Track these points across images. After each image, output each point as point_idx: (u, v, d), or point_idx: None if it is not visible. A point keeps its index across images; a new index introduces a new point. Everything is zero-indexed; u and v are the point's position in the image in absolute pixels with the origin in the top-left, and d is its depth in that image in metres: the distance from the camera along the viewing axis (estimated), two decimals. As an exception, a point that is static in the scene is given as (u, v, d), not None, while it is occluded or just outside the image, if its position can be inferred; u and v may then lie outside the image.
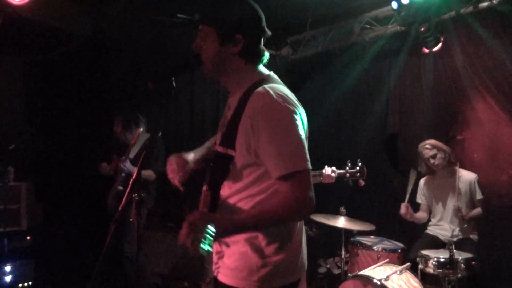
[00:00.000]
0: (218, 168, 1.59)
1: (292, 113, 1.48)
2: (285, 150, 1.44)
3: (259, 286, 1.51)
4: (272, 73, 1.65)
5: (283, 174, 1.44)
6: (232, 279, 1.55)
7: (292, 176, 1.44)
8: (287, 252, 1.55)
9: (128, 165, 3.87)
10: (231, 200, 1.57)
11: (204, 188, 1.65)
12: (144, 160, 1.66)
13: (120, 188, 3.89)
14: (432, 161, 3.99)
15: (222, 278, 1.60)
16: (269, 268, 1.52)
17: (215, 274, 1.66)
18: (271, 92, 1.48)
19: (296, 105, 1.53)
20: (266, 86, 1.51)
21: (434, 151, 3.98)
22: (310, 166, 1.48)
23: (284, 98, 1.49)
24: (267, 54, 1.64)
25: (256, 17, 1.60)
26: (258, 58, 1.63)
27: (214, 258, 1.67)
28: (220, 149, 1.58)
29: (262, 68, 1.65)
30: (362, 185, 2.90)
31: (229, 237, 1.56)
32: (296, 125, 1.48)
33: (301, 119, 1.54)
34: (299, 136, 1.47)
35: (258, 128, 1.45)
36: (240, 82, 1.60)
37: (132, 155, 3.92)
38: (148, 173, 3.97)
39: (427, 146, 4.01)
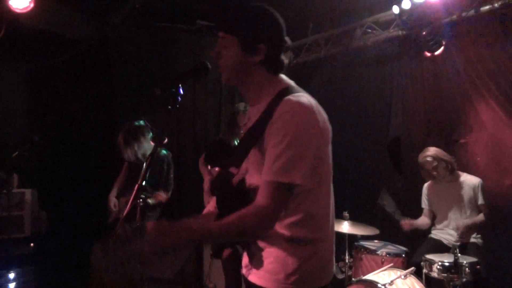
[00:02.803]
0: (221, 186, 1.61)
1: (312, 127, 1.47)
2: (283, 159, 1.42)
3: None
4: (293, 83, 1.63)
5: (267, 180, 1.44)
6: (266, 281, 1.55)
7: (274, 185, 1.43)
8: (321, 256, 1.56)
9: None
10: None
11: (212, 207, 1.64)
12: (149, 166, 1.66)
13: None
14: (434, 172, 3.99)
15: (256, 280, 1.59)
16: (304, 270, 1.52)
17: (246, 275, 1.66)
18: (300, 101, 1.46)
19: (322, 119, 1.51)
20: (295, 95, 1.49)
21: (435, 163, 3.96)
22: (299, 181, 1.44)
23: (311, 109, 1.47)
24: (286, 63, 1.62)
25: (279, 27, 1.59)
26: (280, 67, 1.61)
27: (246, 259, 1.66)
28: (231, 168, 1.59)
29: (283, 77, 1.63)
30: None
31: (263, 239, 1.56)
32: (310, 140, 1.45)
33: (322, 130, 1.51)
34: (306, 150, 1.44)
35: (271, 133, 1.45)
36: (262, 92, 1.59)
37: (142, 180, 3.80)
38: (161, 197, 3.82)
39: (428, 158, 3.98)
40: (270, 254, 1.55)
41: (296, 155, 1.42)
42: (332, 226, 1.64)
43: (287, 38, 1.62)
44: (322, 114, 1.53)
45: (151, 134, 3.98)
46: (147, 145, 3.90)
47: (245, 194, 1.56)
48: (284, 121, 1.43)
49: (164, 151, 3.95)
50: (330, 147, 1.57)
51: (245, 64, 1.56)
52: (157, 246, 1.39)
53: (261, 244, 1.57)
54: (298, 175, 1.43)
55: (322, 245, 1.57)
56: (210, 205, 1.69)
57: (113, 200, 4.00)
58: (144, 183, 3.79)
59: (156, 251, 1.39)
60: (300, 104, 1.45)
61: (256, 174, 1.54)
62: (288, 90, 1.53)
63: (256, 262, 1.59)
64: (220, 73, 1.63)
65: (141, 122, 4.04)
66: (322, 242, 1.58)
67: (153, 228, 1.42)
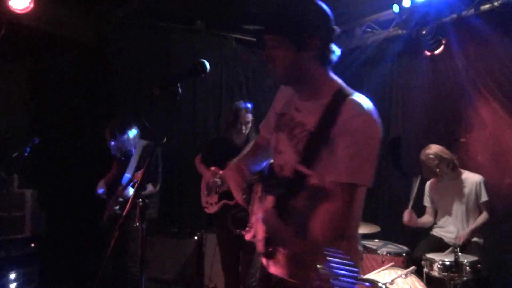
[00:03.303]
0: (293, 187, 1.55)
1: (379, 131, 1.50)
2: (356, 162, 1.44)
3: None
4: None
5: (344, 182, 1.45)
6: (305, 279, 1.54)
7: (348, 188, 1.45)
8: (353, 253, 1.58)
9: (127, 192, 3.72)
10: (298, 216, 1.54)
11: (269, 205, 1.58)
12: (148, 168, 1.66)
13: (117, 208, 3.78)
14: (437, 169, 3.99)
15: (286, 274, 1.60)
16: None
17: (275, 272, 1.65)
18: (367, 104, 1.50)
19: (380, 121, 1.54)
20: (357, 96, 1.52)
21: (437, 161, 3.95)
22: (368, 184, 1.49)
23: (374, 113, 1.50)
24: (338, 53, 1.59)
25: (327, 17, 1.56)
26: (332, 58, 1.58)
27: (279, 256, 1.65)
28: (300, 167, 1.53)
29: (331, 72, 1.63)
30: None
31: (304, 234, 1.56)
32: (376, 143, 1.49)
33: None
34: (373, 153, 1.49)
35: (345, 133, 1.45)
36: (317, 87, 1.58)
37: (131, 171, 3.79)
38: (148, 190, 3.85)
39: (430, 156, 3.97)
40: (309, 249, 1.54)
41: (367, 157, 1.46)
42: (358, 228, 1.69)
43: (336, 27, 1.57)
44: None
45: (136, 130, 3.97)
46: (133, 140, 3.92)
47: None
48: (356, 124, 1.44)
49: (150, 143, 3.96)
50: None
51: (300, 61, 1.52)
52: None
53: (300, 239, 1.55)
54: (368, 177, 1.47)
55: (355, 242, 1.61)
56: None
57: (101, 190, 4.03)
58: (130, 174, 3.77)
59: None
60: (368, 108, 1.48)
61: (318, 175, 1.52)
62: (345, 89, 1.56)
63: (291, 257, 1.59)
64: (273, 75, 1.59)
65: (128, 117, 4.05)
66: (355, 240, 1.60)
67: None
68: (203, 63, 1.62)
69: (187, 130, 5.30)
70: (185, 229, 4.87)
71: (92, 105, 5.31)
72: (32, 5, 4.15)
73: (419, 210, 4.21)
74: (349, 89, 1.57)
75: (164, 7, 4.96)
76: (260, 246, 1.59)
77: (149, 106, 4.69)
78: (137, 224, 1.60)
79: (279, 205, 1.53)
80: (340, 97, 1.51)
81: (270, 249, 1.56)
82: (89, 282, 3.73)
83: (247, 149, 1.93)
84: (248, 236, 1.77)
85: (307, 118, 1.57)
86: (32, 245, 4.84)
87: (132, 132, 3.94)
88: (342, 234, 1.51)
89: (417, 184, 3.98)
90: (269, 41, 1.54)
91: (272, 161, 1.76)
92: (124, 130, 3.89)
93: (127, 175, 3.79)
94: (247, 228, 1.78)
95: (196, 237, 4.59)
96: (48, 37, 4.95)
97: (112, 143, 3.90)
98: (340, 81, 1.62)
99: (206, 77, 5.29)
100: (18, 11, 4.14)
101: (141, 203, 1.57)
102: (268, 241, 1.55)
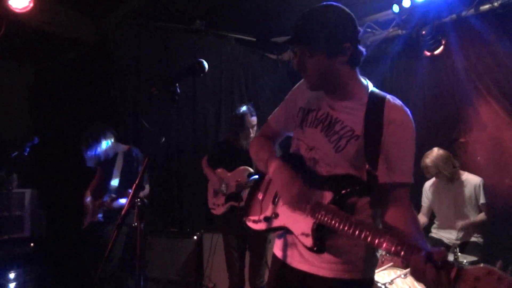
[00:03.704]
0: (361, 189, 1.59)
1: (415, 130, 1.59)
2: (411, 162, 1.57)
3: (363, 275, 1.61)
4: None
5: (407, 182, 1.55)
6: (335, 272, 1.59)
7: (407, 186, 1.56)
8: (372, 250, 1.65)
9: (115, 204, 3.69)
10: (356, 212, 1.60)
11: (323, 200, 1.58)
12: (146, 168, 1.65)
13: (100, 216, 3.75)
14: (437, 177, 4.00)
15: (322, 272, 1.61)
16: (370, 260, 1.64)
17: (289, 263, 1.68)
18: (406, 108, 1.60)
19: None
20: (394, 98, 1.63)
21: (436, 171, 3.94)
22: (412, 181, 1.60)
23: (410, 112, 1.60)
24: (364, 53, 1.66)
25: (354, 20, 1.61)
26: (360, 59, 1.65)
27: (289, 247, 1.69)
28: (370, 170, 1.57)
29: (359, 73, 1.69)
30: None
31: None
32: (415, 144, 1.59)
33: None
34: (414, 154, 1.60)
35: (394, 136, 1.54)
36: (348, 89, 1.64)
37: (116, 179, 3.78)
38: (147, 190, 3.86)
39: (429, 164, 3.95)
40: (337, 246, 1.58)
41: (413, 159, 1.58)
42: None
43: (359, 27, 1.65)
44: None
45: (112, 135, 3.92)
46: (112, 145, 3.89)
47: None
48: (406, 127, 1.56)
49: (135, 150, 3.95)
50: None
51: (333, 66, 1.58)
52: None
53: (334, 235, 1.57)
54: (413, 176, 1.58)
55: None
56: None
57: (87, 197, 3.98)
58: (117, 183, 3.74)
59: None
60: (408, 111, 1.59)
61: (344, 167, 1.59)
62: (376, 89, 1.67)
63: (321, 256, 1.60)
64: (305, 80, 1.66)
65: (101, 123, 4.00)
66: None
67: None
68: (202, 62, 1.62)
69: (187, 130, 5.29)
70: (185, 229, 4.87)
71: (91, 105, 5.31)
72: (31, 5, 4.15)
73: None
74: (378, 91, 1.67)
75: (164, 7, 4.96)
76: (309, 242, 1.56)
77: (148, 105, 4.70)
78: (136, 224, 1.59)
79: (338, 202, 1.54)
80: (378, 97, 1.62)
81: (320, 244, 1.54)
82: (88, 282, 3.73)
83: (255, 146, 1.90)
84: (250, 223, 1.81)
85: (347, 118, 1.62)
86: (32, 244, 4.84)
87: (107, 138, 3.89)
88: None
89: None
90: (300, 50, 1.61)
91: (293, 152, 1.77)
92: (98, 139, 3.84)
93: (113, 184, 3.78)
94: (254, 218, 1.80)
95: (195, 237, 4.59)
96: (48, 37, 4.96)
97: (88, 153, 3.84)
98: (367, 80, 1.70)
99: (206, 77, 5.31)
100: (18, 11, 4.14)
101: (139, 203, 1.57)
102: (320, 234, 1.55)
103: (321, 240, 1.53)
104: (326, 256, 1.59)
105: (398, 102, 1.61)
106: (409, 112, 1.59)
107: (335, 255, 1.59)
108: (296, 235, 1.61)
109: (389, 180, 1.53)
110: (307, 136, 1.71)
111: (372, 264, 1.67)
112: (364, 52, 1.64)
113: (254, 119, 3.74)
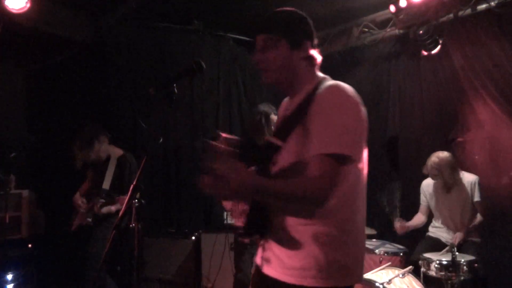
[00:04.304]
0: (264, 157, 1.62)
1: (357, 104, 1.54)
2: (334, 131, 1.46)
3: (320, 283, 1.50)
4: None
5: (320, 153, 1.45)
6: (296, 278, 1.52)
7: (325, 158, 1.44)
8: (349, 253, 1.54)
9: (104, 209, 3.72)
10: None
11: None
12: (143, 169, 1.65)
13: (89, 220, 3.76)
14: (435, 178, 4.00)
15: (279, 276, 1.57)
16: (335, 266, 1.51)
17: (264, 271, 1.64)
18: (343, 85, 1.56)
19: (361, 102, 1.58)
20: (335, 82, 1.60)
21: (437, 173, 3.94)
22: (350, 154, 1.48)
23: (353, 92, 1.56)
24: (320, 59, 1.72)
25: (311, 26, 1.72)
26: (316, 61, 1.71)
27: (265, 256, 1.65)
28: (273, 139, 1.62)
29: (320, 72, 1.73)
30: None
31: (285, 235, 1.55)
32: (356, 116, 1.53)
33: (362, 110, 1.58)
34: (354, 125, 1.51)
35: (316, 111, 1.51)
36: (303, 85, 1.67)
37: (107, 183, 3.76)
38: (124, 201, 3.73)
39: (434, 166, 3.94)
40: (299, 250, 1.53)
41: (344, 127, 1.47)
42: (364, 222, 1.65)
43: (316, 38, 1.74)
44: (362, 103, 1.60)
45: (105, 138, 3.92)
46: (105, 148, 3.89)
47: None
48: (330, 99, 1.51)
49: (128, 156, 3.94)
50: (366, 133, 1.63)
51: (293, 60, 1.64)
52: (240, 184, 1.39)
53: (288, 240, 1.55)
54: (346, 146, 1.46)
55: (353, 239, 1.56)
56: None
57: (79, 199, 3.96)
58: (108, 186, 3.73)
59: (237, 190, 1.39)
60: (343, 85, 1.56)
61: (291, 152, 1.56)
62: (327, 79, 1.67)
63: (283, 260, 1.57)
64: (264, 74, 1.68)
65: (95, 125, 3.99)
66: (353, 236, 1.56)
67: (239, 165, 1.43)
68: (199, 63, 1.62)
69: (185, 130, 5.29)
70: (183, 229, 4.86)
71: (88, 105, 5.30)
72: (28, 5, 4.14)
73: (410, 210, 4.21)
74: (332, 80, 1.65)
75: (161, 7, 4.95)
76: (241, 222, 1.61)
77: (146, 106, 4.69)
78: (133, 225, 1.59)
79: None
80: (319, 85, 1.60)
81: (247, 225, 1.57)
82: (86, 284, 3.73)
83: None
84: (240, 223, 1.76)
85: (288, 112, 1.67)
86: (29, 245, 4.83)
87: (101, 139, 3.89)
88: (335, 233, 1.50)
89: (399, 191, 3.99)
90: (262, 41, 1.65)
91: None
92: (92, 139, 3.85)
93: (104, 188, 3.77)
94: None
95: (193, 238, 4.58)
96: (45, 37, 4.94)
97: (80, 155, 3.86)
98: (327, 77, 1.70)
99: (204, 77, 5.30)
100: (14, 11, 4.13)
101: (137, 204, 1.57)
102: (251, 216, 1.57)
103: (251, 223, 1.55)
104: (286, 260, 1.55)
105: (333, 82, 1.61)
106: (344, 87, 1.54)
107: (299, 260, 1.53)
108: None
109: (310, 154, 1.48)
110: None
111: (349, 271, 1.54)
112: (319, 60, 1.70)
113: (274, 117, 3.72)
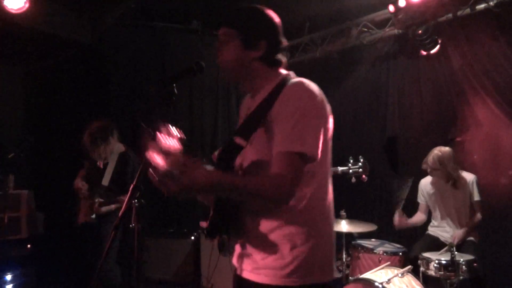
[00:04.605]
0: (226, 157, 1.60)
1: (321, 102, 1.53)
2: (295, 131, 1.45)
3: (294, 282, 1.50)
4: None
5: (281, 151, 1.45)
6: (265, 277, 1.53)
7: (287, 156, 1.45)
8: (323, 249, 1.55)
9: (104, 208, 3.70)
10: None
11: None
12: (143, 169, 1.65)
13: (93, 217, 3.70)
14: (429, 170, 3.99)
15: (253, 277, 1.58)
16: (304, 264, 1.51)
17: (238, 272, 1.65)
18: (307, 82, 1.55)
19: (324, 98, 1.57)
20: (297, 79, 1.58)
21: (437, 167, 3.93)
22: (312, 153, 1.47)
23: (317, 89, 1.55)
24: (284, 62, 1.70)
25: (277, 27, 1.67)
26: (278, 63, 1.68)
27: (239, 257, 1.66)
28: (237, 139, 1.59)
29: (282, 69, 1.71)
30: (365, 180, 2.90)
31: (257, 236, 1.55)
32: (319, 113, 1.52)
33: (326, 106, 1.57)
34: (316, 123, 1.50)
35: (280, 109, 1.50)
36: (263, 83, 1.65)
37: (106, 180, 3.74)
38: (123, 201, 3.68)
39: (435, 158, 3.91)
40: (267, 249, 1.53)
41: (307, 126, 1.47)
42: (333, 220, 1.64)
43: (284, 39, 1.69)
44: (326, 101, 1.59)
45: (116, 134, 3.92)
46: (114, 144, 3.88)
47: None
48: (294, 97, 1.50)
49: (131, 153, 3.92)
50: (331, 131, 1.60)
51: (246, 58, 1.62)
52: (192, 179, 1.36)
53: (256, 239, 1.56)
54: (309, 144, 1.46)
55: (321, 238, 1.56)
56: None
57: (79, 181, 3.91)
58: (107, 183, 3.70)
59: (188, 186, 1.36)
60: (307, 82, 1.54)
61: (255, 151, 1.56)
62: (290, 76, 1.64)
63: (252, 258, 1.58)
64: (221, 70, 1.69)
65: (107, 120, 3.98)
66: (321, 236, 1.56)
67: (189, 161, 1.40)
68: (199, 62, 1.63)
69: (184, 130, 5.27)
70: (182, 229, 4.86)
71: (87, 105, 5.30)
72: (27, 5, 4.14)
73: (409, 209, 4.21)
74: (295, 77, 1.64)
75: (160, 7, 4.96)
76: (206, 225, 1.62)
77: (145, 106, 4.69)
78: (133, 225, 1.59)
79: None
80: (282, 83, 1.58)
81: (210, 226, 1.58)
82: (85, 284, 3.72)
83: None
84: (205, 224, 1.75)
85: (250, 111, 1.65)
86: (28, 246, 4.82)
87: (115, 136, 3.89)
88: (304, 231, 1.51)
89: (409, 186, 3.98)
90: (221, 35, 1.66)
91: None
92: (107, 135, 3.83)
93: (103, 184, 3.75)
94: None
95: (193, 238, 4.58)
96: (44, 37, 4.94)
97: (92, 151, 3.82)
98: (288, 73, 1.68)
99: (203, 77, 5.30)
100: (13, 11, 4.13)
101: (137, 204, 1.57)
102: (215, 217, 1.57)
103: (213, 224, 1.56)
104: (260, 261, 1.55)
105: (298, 79, 1.58)
106: (306, 84, 1.53)
107: (269, 259, 1.53)
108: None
109: (273, 153, 1.48)
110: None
111: (321, 269, 1.54)
112: (283, 61, 1.68)
113: None
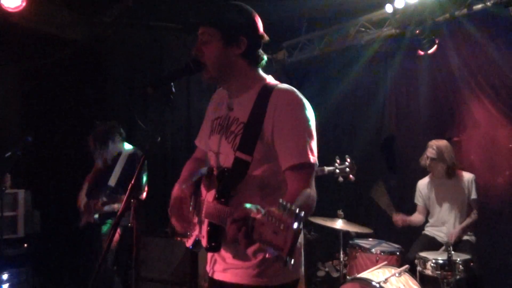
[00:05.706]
0: (234, 175, 1.57)
1: (311, 111, 1.58)
2: (302, 142, 1.51)
3: (266, 282, 1.53)
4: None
5: (295, 164, 1.49)
6: (234, 277, 1.56)
7: (302, 167, 1.49)
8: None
9: (106, 207, 3.72)
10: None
11: (209, 198, 1.62)
12: (142, 168, 1.65)
13: (96, 217, 3.74)
14: (427, 161, 3.99)
15: (223, 277, 1.60)
16: (271, 265, 1.53)
17: (210, 274, 1.68)
18: (296, 90, 1.58)
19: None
20: (283, 85, 1.61)
21: (436, 156, 3.94)
22: (316, 159, 1.54)
23: (299, 95, 1.58)
24: (265, 58, 1.70)
25: (257, 22, 1.67)
26: (259, 60, 1.68)
27: (211, 261, 1.68)
28: (239, 154, 1.57)
29: (261, 71, 1.71)
30: (352, 180, 2.92)
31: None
32: (313, 121, 1.58)
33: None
34: (314, 133, 1.57)
35: (280, 120, 1.52)
36: (245, 84, 1.66)
37: (114, 180, 3.77)
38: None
39: (434, 147, 3.95)
40: (239, 250, 1.54)
41: (311, 137, 1.54)
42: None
43: (264, 34, 1.68)
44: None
45: (121, 136, 3.94)
46: (117, 146, 3.89)
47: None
48: (293, 108, 1.53)
49: (139, 153, 3.91)
50: None
51: (227, 56, 1.61)
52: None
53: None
54: (315, 155, 1.53)
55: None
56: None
57: (83, 199, 3.95)
58: (113, 183, 3.71)
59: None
60: (296, 91, 1.58)
61: (259, 165, 1.57)
62: (272, 82, 1.66)
63: (224, 260, 1.61)
64: (205, 74, 1.67)
65: (111, 123, 3.99)
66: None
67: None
68: (197, 61, 1.62)
69: (182, 129, 5.28)
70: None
71: (85, 105, 5.29)
72: (24, 4, 4.12)
73: (407, 211, 4.23)
74: (276, 82, 1.67)
75: (158, 6, 4.94)
76: (204, 242, 1.61)
77: (142, 105, 4.68)
78: (131, 224, 1.59)
79: (221, 195, 1.55)
80: (268, 88, 1.61)
81: (213, 243, 1.57)
82: (82, 283, 3.72)
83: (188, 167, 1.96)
84: (189, 243, 1.76)
85: (240, 112, 1.64)
86: (25, 245, 4.81)
87: (116, 139, 3.90)
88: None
89: (384, 190, 4.01)
90: (202, 35, 1.64)
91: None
92: (107, 139, 3.85)
93: (110, 184, 3.76)
94: (188, 234, 1.76)
95: (190, 237, 4.57)
96: (41, 36, 4.92)
97: (97, 153, 3.87)
98: (269, 76, 1.70)
99: (200, 75, 5.30)
100: (10, 10, 4.11)
101: (136, 203, 1.57)
102: (212, 233, 1.56)
103: (213, 238, 1.56)
104: (230, 260, 1.59)
105: (286, 87, 1.61)
106: (298, 94, 1.58)
107: (238, 258, 1.57)
108: (201, 240, 1.64)
109: (283, 167, 1.52)
110: (212, 143, 1.74)
111: (280, 269, 1.54)
112: (265, 58, 1.69)
113: None
